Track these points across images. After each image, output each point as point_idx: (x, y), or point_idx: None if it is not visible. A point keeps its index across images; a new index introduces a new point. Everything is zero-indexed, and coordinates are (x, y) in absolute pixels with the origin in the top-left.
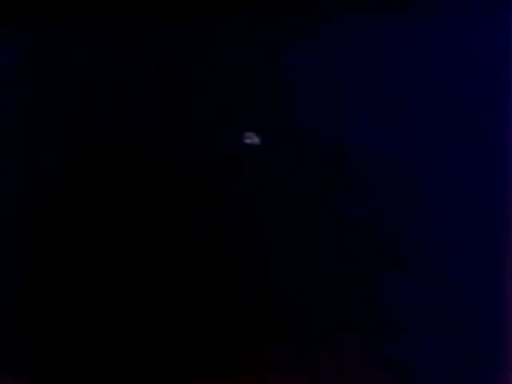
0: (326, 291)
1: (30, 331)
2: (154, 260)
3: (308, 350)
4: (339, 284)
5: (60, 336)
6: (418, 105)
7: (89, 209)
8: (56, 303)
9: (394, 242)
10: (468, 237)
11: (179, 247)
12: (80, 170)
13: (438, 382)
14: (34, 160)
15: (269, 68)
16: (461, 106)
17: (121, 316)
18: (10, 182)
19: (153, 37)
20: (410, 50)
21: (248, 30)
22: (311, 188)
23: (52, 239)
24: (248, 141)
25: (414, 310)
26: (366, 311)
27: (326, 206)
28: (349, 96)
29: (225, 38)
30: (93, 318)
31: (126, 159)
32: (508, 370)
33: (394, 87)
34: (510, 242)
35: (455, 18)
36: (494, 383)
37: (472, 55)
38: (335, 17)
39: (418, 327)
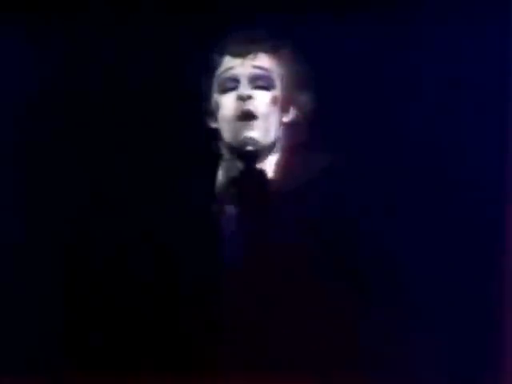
0: None
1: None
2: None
3: None
4: None
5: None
6: (416, 105)
7: None
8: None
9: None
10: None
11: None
12: None
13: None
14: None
15: None
16: (460, 105)
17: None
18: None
19: None
20: (408, 49)
21: None
22: None
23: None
24: (249, 148)
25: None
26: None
27: None
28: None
29: None
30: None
31: None
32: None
33: (393, 87)
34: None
35: (455, 18)
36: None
37: (472, 55)
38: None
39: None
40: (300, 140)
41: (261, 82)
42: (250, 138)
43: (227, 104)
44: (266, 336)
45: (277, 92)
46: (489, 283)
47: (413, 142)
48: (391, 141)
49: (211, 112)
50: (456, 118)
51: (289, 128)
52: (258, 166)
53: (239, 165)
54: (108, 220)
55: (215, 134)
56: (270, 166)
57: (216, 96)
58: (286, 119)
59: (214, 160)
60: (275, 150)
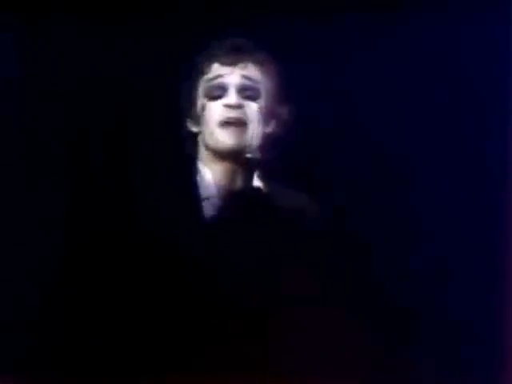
0: None
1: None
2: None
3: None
4: None
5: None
6: (415, 105)
7: None
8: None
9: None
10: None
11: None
12: None
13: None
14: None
15: None
16: (459, 105)
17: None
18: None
19: None
20: (407, 49)
21: None
22: None
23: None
24: (249, 155)
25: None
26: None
27: None
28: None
29: None
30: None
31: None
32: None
33: (392, 87)
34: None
35: (454, 18)
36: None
37: (471, 55)
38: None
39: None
40: (276, 153)
41: (249, 92)
42: (245, 145)
43: (215, 111)
44: (265, 336)
45: (262, 102)
46: (491, 285)
47: (409, 147)
48: (385, 145)
49: (195, 116)
50: (456, 120)
51: (268, 139)
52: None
53: (233, 169)
54: (104, 221)
55: (195, 137)
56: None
57: (203, 101)
58: (266, 130)
59: (191, 162)
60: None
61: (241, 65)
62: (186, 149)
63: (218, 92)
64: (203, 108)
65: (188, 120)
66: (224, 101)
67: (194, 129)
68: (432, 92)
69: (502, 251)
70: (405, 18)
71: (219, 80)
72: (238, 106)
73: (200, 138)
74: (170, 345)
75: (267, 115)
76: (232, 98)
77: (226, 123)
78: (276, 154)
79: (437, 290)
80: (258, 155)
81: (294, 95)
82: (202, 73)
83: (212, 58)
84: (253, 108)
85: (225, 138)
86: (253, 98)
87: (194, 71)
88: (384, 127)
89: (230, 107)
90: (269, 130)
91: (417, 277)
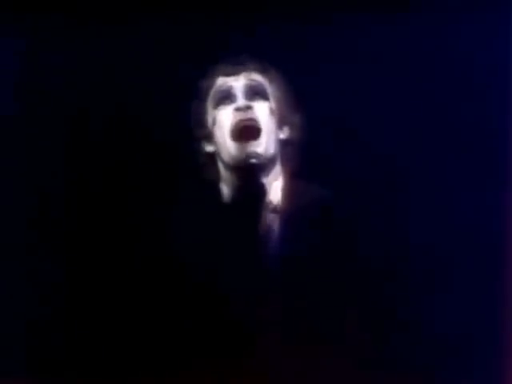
0: None
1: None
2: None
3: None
4: None
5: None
6: (416, 106)
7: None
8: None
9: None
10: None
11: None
12: None
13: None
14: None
15: None
16: (459, 107)
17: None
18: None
19: None
20: (407, 50)
21: None
22: None
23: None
24: (253, 161)
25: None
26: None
27: None
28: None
29: None
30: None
31: None
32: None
33: (392, 88)
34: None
35: (454, 18)
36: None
37: (471, 55)
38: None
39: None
40: (296, 160)
41: (256, 92)
42: (254, 152)
43: (226, 118)
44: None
45: (272, 104)
46: (491, 288)
47: (413, 150)
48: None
49: (208, 133)
50: (456, 119)
51: (286, 146)
52: (261, 179)
53: (242, 180)
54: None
55: (212, 157)
56: (270, 184)
57: (212, 113)
58: (282, 136)
59: (213, 184)
60: (275, 166)
61: (245, 74)
62: (205, 172)
63: (225, 98)
64: (214, 121)
65: (202, 141)
66: (233, 105)
67: (210, 148)
68: (432, 92)
69: (502, 256)
70: (405, 18)
71: (225, 86)
72: (248, 107)
73: (217, 157)
74: (174, 348)
75: (279, 120)
76: (240, 101)
77: (239, 132)
78: (294, 162)
79: (437, 293)
80: (272, 162)
81: (302, 102)
82: (208, 88)
83: (216, 74)
84: (263, 107)
85: (237, 152)
86: (263, 98)
87: (200, 89)
88: (384, 128)
89: (240, 110)
90: (284, 135)
91: (419, 280)
